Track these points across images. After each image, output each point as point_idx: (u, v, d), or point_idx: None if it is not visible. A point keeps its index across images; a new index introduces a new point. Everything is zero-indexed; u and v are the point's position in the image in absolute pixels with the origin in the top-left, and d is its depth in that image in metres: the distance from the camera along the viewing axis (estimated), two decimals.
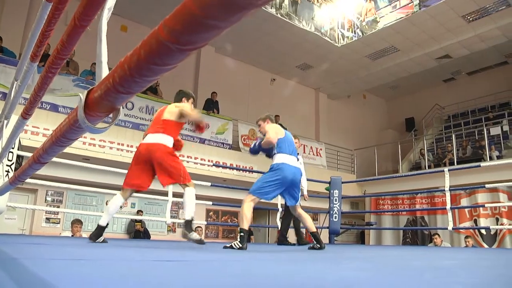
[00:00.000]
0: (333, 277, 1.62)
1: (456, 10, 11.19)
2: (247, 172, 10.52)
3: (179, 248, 3.79)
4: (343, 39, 12.17)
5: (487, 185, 7.35)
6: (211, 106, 11.54)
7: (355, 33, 11.97)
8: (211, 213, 12.27)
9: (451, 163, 12.66)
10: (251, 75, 14.60)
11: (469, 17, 11.57)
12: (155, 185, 7.70)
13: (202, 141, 10.71)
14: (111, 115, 0.78)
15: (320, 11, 11.81)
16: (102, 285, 1.09)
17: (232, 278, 1.41)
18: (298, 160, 4.60)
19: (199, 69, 13.20)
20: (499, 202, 10.03)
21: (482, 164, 9.00)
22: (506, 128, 13.52)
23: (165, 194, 6.26)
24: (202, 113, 11.03)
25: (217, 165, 9.49)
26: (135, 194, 7.04)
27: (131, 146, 8.78)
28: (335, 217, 7.66)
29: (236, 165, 10.62)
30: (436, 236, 9.52)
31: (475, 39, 12.50)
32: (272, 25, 11.69)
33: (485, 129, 12.83)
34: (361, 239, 14.69)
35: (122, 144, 8.57)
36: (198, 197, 9.71)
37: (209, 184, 7.04)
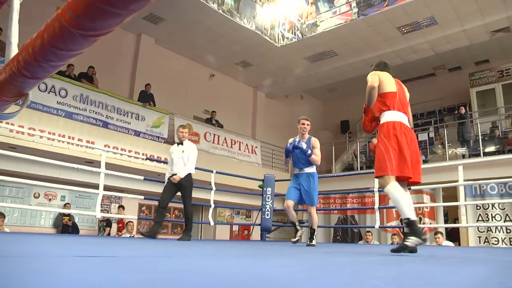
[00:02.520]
0: (255, 273, 1.64)
1: (392, 21, 11.71)
2: None
3: (108, 244, 3.70)
4: (283, 40, 12.34)
5: (412, 187, 7.72)
6: (145, 98, 11.27)
7: (295, 34, 12.17)
8: (143, 207, 12.04)
9: None
10: (190, 69, 14.45)
11: (403, 29, 12.16)
12: (86, 177, 7.49)
13: (137, 133, 10.47)
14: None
15: (262, 10, 11.90)
16: (9, 283, 1.04)
17: (157, 275, 1.40)
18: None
19: (137, 60, 12.86)
20: (423, 203, 10.57)
21: None
22: (432, 134, 14.39)
23: (95, 186, 6.06)
24: (138, 105, 10.81)
25: (151, 158, 9.33)
26: (64, 186, 6.80)
27: (63, 136, 8.43)
28: (267, 214, 7.77)
29: None
30: (370, 233, 9.94)
31: (408, 50, 13.24)
32: (213, 21, 11.63)
33: None
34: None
35: (54, 134, 8.21)
36: (130, 191, 9.52)
37: (142, 178, 6.91)
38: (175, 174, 5.97)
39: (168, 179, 6.08)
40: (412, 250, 3.09)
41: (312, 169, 5.41)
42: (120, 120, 10.22)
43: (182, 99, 13.76)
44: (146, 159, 8.74)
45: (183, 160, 6.07)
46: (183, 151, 6.14)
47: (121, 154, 8.86)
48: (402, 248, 3.06)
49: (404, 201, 3.14)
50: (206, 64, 14.81)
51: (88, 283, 1.06)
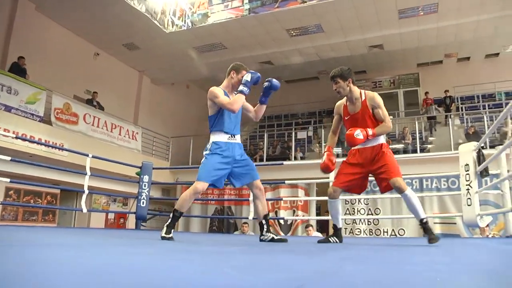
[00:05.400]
0: (103, 260, 1.66)
1: (281, 23, 12.24)
2: (57, 149, 9.82)
3: None
4: (173, 27, 12.18)
5: (286, 181, 8.23)
6: (18, 72, 10.39)
7: (185, 22, 12.07)
8: (11, 191, 11.03)
9: (262, 160, 13.72)
10: (73, 44, 13.62)
11: (292, 32, 12.81)
12: None
13: (8, 109, 9.62)
14: None
15: None
16: None
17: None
18: None
19: (13, 26, 11.64)
20: (297, 196, 11.19)
21: (285, 162, 9.96)
22: (310, 133, 15.40)
23: None
24: (10, 77, 9.93)
25: (23, 138, 8.66)
26: None
27: None
28: (143, 203, 7.63)
29: (45, 141, 9.82)
30: (246, 224, 10.25)
31: (295, 52, 14.02)
32: None
33: (293, 133, 14.24)
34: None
35: None
36: None
37: (9, 158, 6.30)
38: None
39: None
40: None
41: None
42: None
43: (62, 75, 12.90)
44: (17, 137, 7.99)
45: None
46: None
47: None
48: (434, 240, 3.38)
49: (420, 205, 3.57)
50: (91, 41, 14.09)
51: None
